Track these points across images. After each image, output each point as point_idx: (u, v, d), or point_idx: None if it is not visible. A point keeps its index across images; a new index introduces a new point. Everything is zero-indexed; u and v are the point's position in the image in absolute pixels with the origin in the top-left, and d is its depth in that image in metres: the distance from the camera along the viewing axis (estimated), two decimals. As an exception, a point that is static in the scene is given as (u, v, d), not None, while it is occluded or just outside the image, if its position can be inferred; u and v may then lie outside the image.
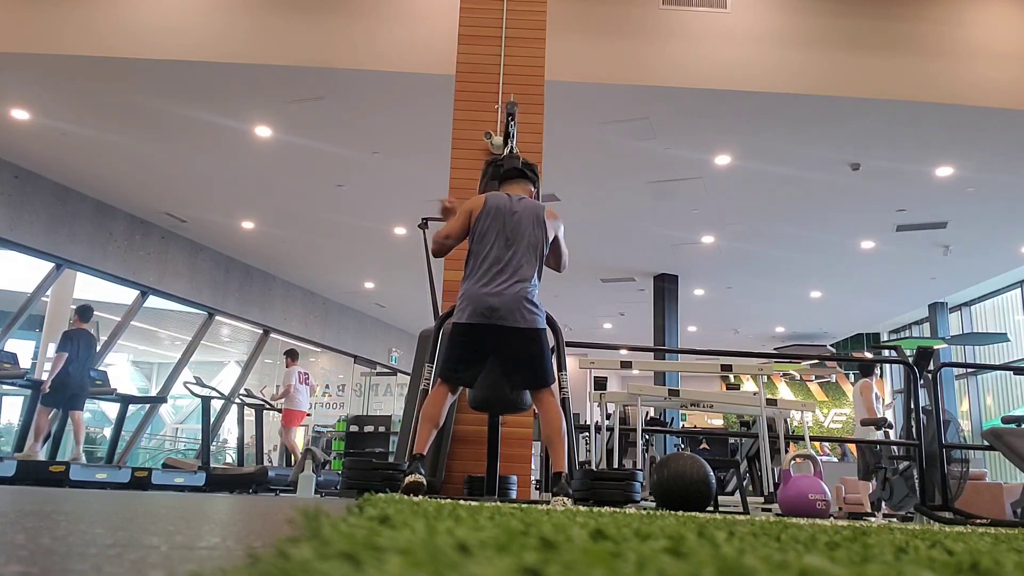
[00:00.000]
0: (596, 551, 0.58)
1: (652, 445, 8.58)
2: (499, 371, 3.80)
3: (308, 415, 11.70)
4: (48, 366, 8.27)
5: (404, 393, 7.31)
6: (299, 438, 10.63)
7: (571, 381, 4.23)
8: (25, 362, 8.21)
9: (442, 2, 6.70)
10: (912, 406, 5.69)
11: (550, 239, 3.80)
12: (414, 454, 3.61)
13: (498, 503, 2.91)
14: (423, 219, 5.60)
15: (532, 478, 6.13)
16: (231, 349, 16.69)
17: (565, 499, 3.41)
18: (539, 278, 3.76)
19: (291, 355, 10.58)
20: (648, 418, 9.00)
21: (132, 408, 10.02)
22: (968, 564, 0.72)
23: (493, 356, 3.71)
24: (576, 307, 13.74)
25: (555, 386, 3.76)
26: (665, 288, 11.96)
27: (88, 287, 10.93)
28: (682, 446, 10.48)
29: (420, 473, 3.49)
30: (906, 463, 6.02)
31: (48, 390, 7.87)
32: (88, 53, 6.73)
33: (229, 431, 13.81)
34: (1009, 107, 6.83)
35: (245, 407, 10.12)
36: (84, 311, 8.49)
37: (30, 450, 7.84)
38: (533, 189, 4.04)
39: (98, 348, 10.48)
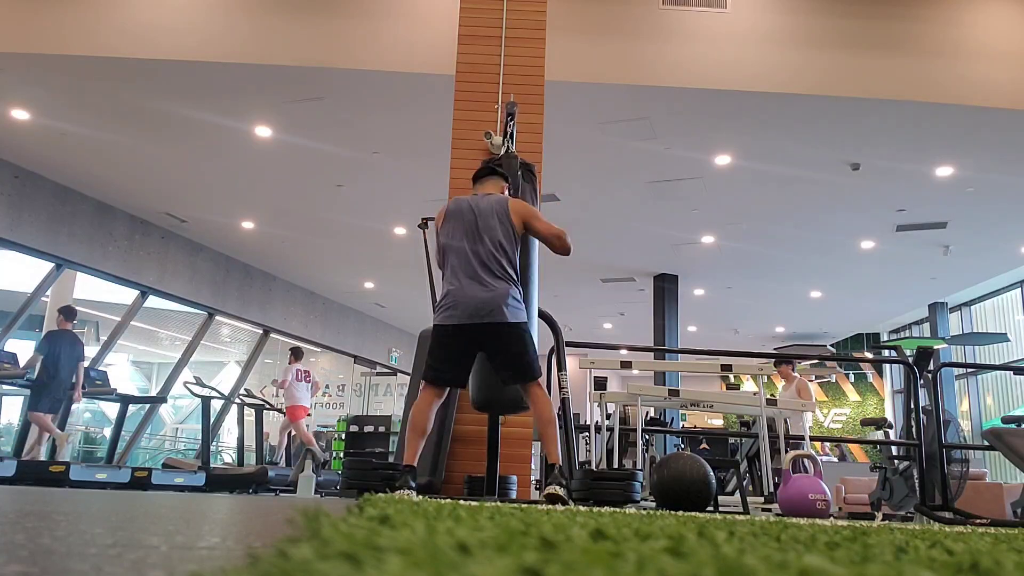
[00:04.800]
0: (596, 551, 0.58)
1: (652, 445, 8.57)
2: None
3: (309, 414, 11.68)
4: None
5: (404, 393, 7.32)
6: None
7: (571, 381, 4.23)
8: (25, 362, 8.17)
9: (442, 2, 6.70)
10: (912, 406, 5.70)
11: (519, 230, 3.78)
12: (403, 467, 3.57)
13: (498, 503, 2.91)
14: (423, 219, 5.61)
15: (532, 478, 6.13)
16: (231, 349, 16.69)
17: (556, 488, 3.38)
18: (517, 272, 3.75)
19: (294, 353, 10.56)
20: (648, 418, 9.00)
21: (132, 408, 10.01)
22: (968, 564, 0.72)
23: (479, 353, 3.71)
24: (576, 307, 13.74)
25: (556, 382, 3.75)
26: (665, 288, 11.96)
27: (88, 287, 10.93)
28: (682, 446, 10.47)
29: (410, 487, 3.45)
30: (906, 463, 6.03)
31: (32, 390, 7.74)
32: (88, 53, 6.73)
33: (229, 431, 13.81)
34: (1009, 107, 6.83)
35: (245, 407, 10.12)
36: (68, 311, 8.40)
37: (33, 451, 7.82)
38: (504, 184, 4.05)
39: (98, 348, 10.46)
